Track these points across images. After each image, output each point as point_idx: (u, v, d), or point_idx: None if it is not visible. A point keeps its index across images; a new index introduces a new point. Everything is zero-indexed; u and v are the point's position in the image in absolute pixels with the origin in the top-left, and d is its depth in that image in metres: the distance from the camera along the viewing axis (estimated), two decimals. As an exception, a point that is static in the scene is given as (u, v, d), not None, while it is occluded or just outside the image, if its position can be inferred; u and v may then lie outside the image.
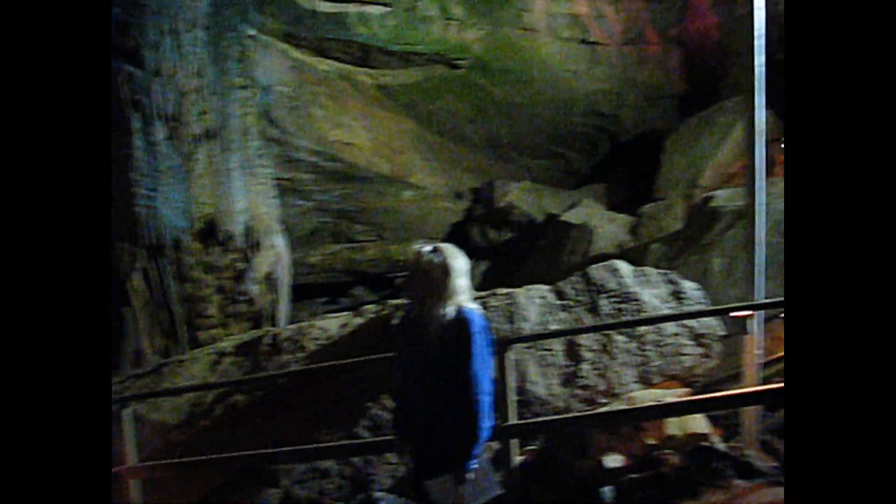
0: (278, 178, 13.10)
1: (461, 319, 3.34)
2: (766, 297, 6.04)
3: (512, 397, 5.55)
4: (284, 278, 11.73)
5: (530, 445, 6.44)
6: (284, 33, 14.17)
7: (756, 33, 5.83)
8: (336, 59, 15.26)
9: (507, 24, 17.08)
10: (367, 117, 15.57)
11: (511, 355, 5.56)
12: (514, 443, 5.86)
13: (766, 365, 8.26)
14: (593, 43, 18.77)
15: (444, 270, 3.35)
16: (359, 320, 7.82)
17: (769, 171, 16.80)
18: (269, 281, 11.20)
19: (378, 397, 6.70)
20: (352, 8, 14.95)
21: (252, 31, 11.84)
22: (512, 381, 5.55)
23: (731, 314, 5.75)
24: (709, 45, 20.20)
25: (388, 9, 15.30)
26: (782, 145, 16.60)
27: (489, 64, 16.93)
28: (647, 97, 19.71)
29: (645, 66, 19.77)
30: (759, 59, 5.82)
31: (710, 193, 12.46)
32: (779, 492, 5.01)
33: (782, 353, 8.24)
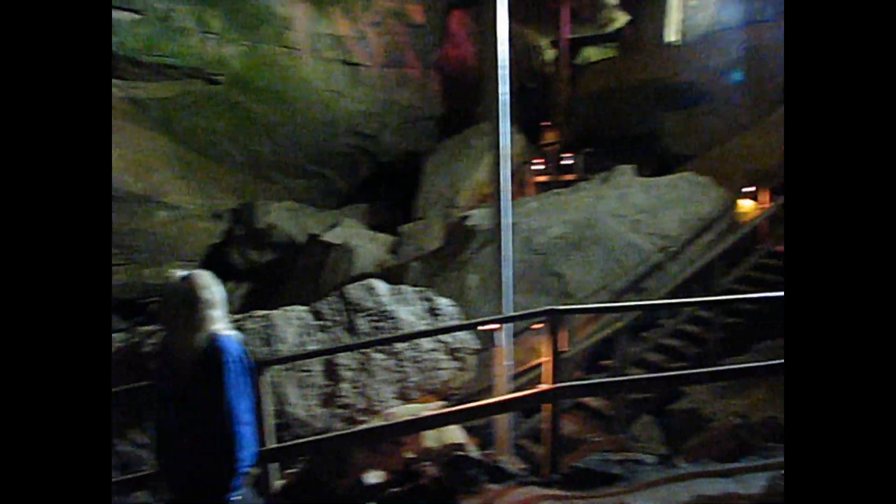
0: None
1: (215, 349, 3.21)
2: (516, 310, 6.40)
3: (270, 421, 5.43)
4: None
5: (291, 468, 6.34)
6: (19, 37, 12.93)
7: (500, 63, 6.18)
8: (81, 68, 14.19)
9: (268, 41, 16.85)
10: (117, 132, 14.63)
11: (268, 378, 5.45)
12: (274, 467, 5.74)
13: (519, 375, 8.79)
14: (355, 64, 19.03)
15: (194, 301, 3.21)
16: (105, 348, 7.31)
17: (521, 192, 17.81)
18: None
19: (126, 432, 6.29)
20: (98, 13, 13.94)
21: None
22: (269, 405, 5.44)
23: (480, 328, 6.02)
24: (466, 71, 21.24)
25: (140, 16, 14.39)
26: (532, 167, 17.78)
27: (250, 81, 16.60)
28: (407, 119, 20.28)
29: (405, 88, 20.35)
30: (504, 88, 6.18)
31: (466, 213, 13.02)
32: (527, 491, 5.32)
33: (534, 363, 8.78)
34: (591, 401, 9.53)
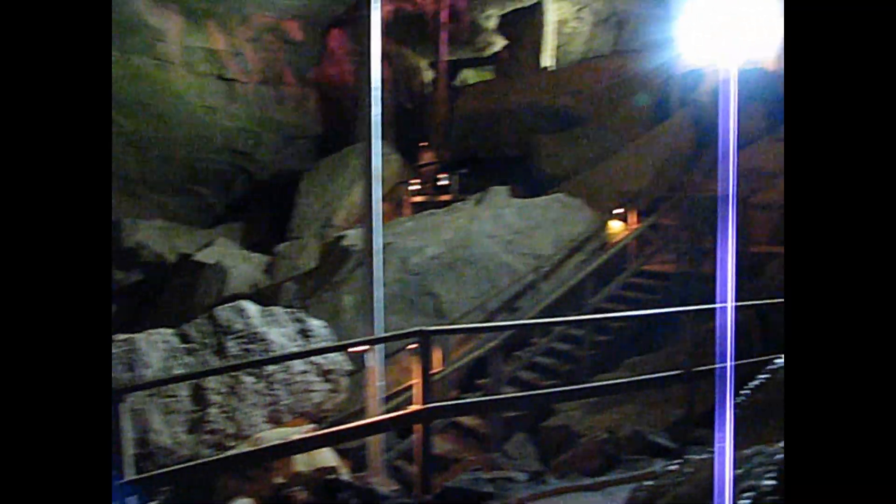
0: None
1: None
2: (390, 331, 6.39)
3: (129, 451, 5.19)
4: None
5: (152, 500, 6.08)
6: None
7: (373, 84, 6.19)
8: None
9: (138, 52, 16.31)
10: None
11: (128, 405, 5.21)
12: (133, 500, 5.48)
13: (395, 396, 8.76)
14: (230, 79, 18.66)
15: None
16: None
17: (398, 212, 17.74)
18: None
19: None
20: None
21: None
22: (129, 434, 5.21)
23: (350, 350, 5.99)
24: (344, 90, 21.14)
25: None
26: (410, 187, 17.86)
27: (118, 93, 15.97)
28: (284, 137, 20.01)
29: (282, 105, 20.08)
30: (376, 109, 6.18)
31: (342, 233, 12.93)
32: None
33: (410, 383, 8.77)
34: (466, 420, 9.60)
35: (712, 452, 4.12)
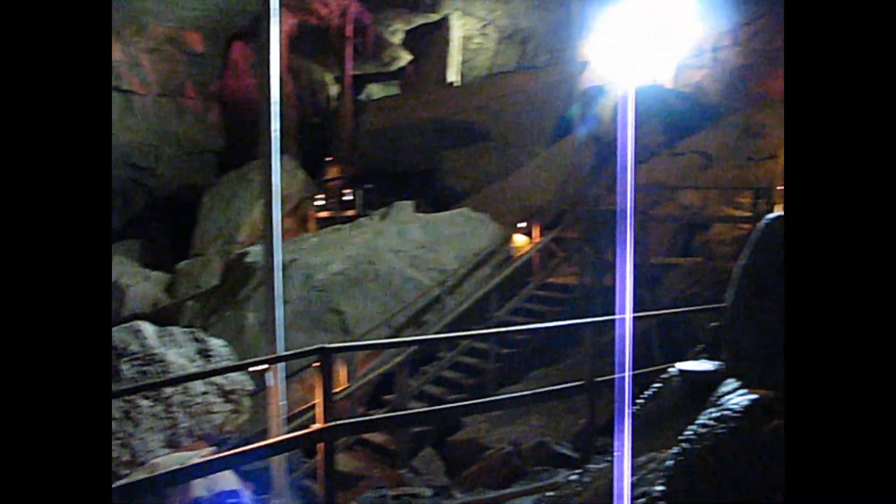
0: None
1: None
2: (294, 349, 6.28)
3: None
4: None
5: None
6: None
7: (272, 99, 6.09)
8: None
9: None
10: None
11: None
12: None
13: (301, 414, 8.62)
14: (128, 91, 18.16)
15: None
16: None
17: (303, 228, 17.52)
18: None
19: None
20: None
21: None
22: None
23: (251, 369, 5.87)
24: (247, 103, 20.81)
25: None
26: (315, 203, 17.71)
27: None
28: (184, 151, 19.57)
29: (183, 119, 19.65)
30: (275, 125, 6.08)
31: (245, 249, 12.70)
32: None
33: (314, 402, 8.63)
34: (374, 436, 9.54)
35: (611, 461, 4.23)
